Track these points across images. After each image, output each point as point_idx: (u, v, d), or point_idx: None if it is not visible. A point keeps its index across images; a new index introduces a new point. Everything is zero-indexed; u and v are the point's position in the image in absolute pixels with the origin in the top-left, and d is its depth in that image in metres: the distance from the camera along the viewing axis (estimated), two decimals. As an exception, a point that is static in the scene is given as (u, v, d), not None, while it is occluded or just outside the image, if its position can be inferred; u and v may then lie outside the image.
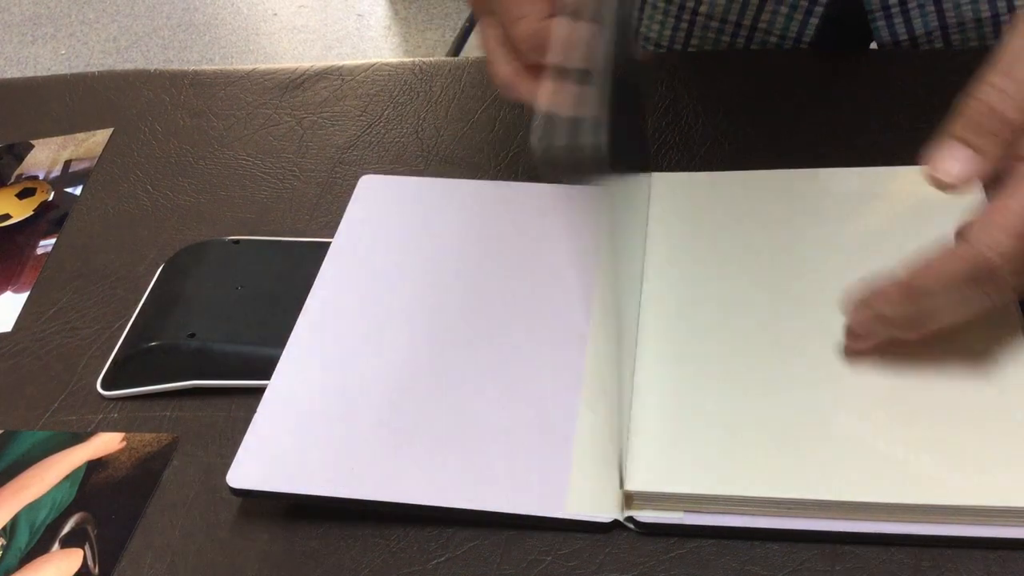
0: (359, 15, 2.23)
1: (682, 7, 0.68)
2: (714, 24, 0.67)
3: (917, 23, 0.63)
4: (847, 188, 0.50)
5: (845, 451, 0.39)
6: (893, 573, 0.38)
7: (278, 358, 0.47)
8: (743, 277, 0.47)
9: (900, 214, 0.48)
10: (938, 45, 0.64)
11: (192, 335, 0.48)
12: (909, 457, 0.38)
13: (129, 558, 0.42)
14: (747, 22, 0.66)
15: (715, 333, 0.45)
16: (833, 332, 0.43)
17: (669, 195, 0.52)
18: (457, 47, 1.88)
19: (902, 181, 0.50)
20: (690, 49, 0.69)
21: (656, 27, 0.70)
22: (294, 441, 0.43)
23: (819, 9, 0.63)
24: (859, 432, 0.40)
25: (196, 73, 0.72)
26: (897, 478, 0.38)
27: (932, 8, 0.62)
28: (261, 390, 0.46)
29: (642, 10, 0.70)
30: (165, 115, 0.68)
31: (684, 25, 0.69)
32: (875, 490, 0.38)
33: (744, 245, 0.49)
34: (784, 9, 0.64)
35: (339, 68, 0.70)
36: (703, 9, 0.67)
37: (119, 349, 0.51)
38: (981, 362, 0.41)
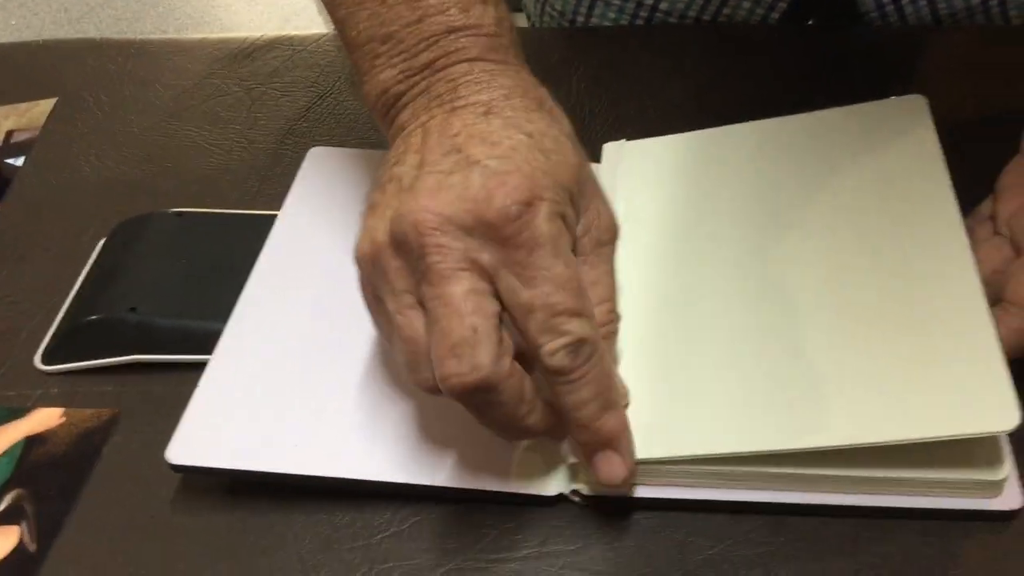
0: (318, -13, 2.20)
1: None
2: None
3: None
4: (813, 131, 0.50)
5: (789, 402, 0.39)
6: (834, 543, 0.38)
7: (222, 332, 0.46)
8: (677, 244, 0.47)
9: (866, 153, 0.48)
10: (921, 3, 0.63)
11: (133, 309, 0.47)
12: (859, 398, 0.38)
13: (67, 535, 0.42)
14: None
15: (655, 301, 0.44)
16: (787, 281, 0.43)
17: (634, 162, 0.52)
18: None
19: (860, 118, 0.50)
20: (660, 5, 0.66)
21: None
22: (236, 416, 0.43)
23: None
24: (805, 381, 0.39)
25: (143, 43, 0.70)
26: (846, 419, 0.38)
27: None
28: (205, 365, 0.45)
29: None
30: (111, 85, 0.66)
31: None
32: (821, 435, 0.37)
33: (711, 201, 0.48)
34: None
35: (290, 38, 0.68)
36: None
37: (59, 323, 0.49)
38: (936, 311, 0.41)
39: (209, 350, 0.45)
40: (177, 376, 0.46)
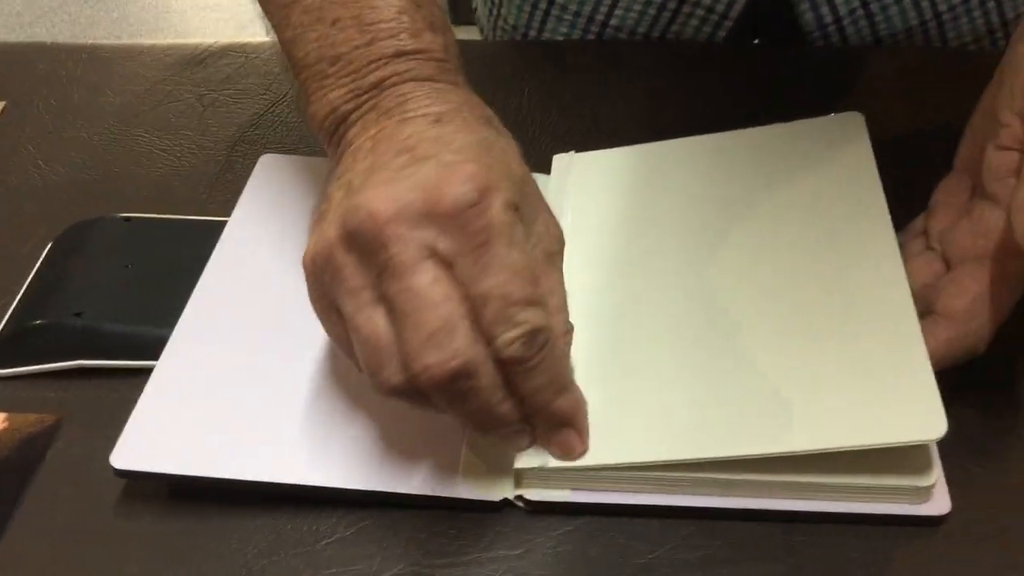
0: (275, -4, 2.18)
1: None
2: None
3: (840, 0, 0.63)
4: (755, 146, 0.52)
5: (732, 412, 0.40)
6: (769, 546, 0.39)
7: (168, 338, 0.46)
8: (619, 254, 0.48)
9: (805, 168, 0.49)
10: (862, 24, 0.64)
11: (78, 314, 0.47)
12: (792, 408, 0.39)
13: (9, 541, 0.41)
14: None
15: (595, 311, 0.45)
16: (720, 297, 0.44)
17: (583, 173, 0.53)
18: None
19: (800, 134, 0.51)
20: (611, 22, 0.68)
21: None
22: (181, 421, 0.43)
23: None
24: (747, 392, 0.40)
25: (94, 47, 0.70)
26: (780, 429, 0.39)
27: None
28: (150, 371, 0.45)
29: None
30: (60, 89, 0.66)
31: None
32: (758, 443, 0.38)
33: (653, 215, 0.49)
34: None
35: (243, 45, 0.68)
36: None
37: (2, 328, 0.49)
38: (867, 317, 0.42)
39: (155, 356, 0.45)
40: (122, 382, 0.46)
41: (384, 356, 0.36)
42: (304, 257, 0.39)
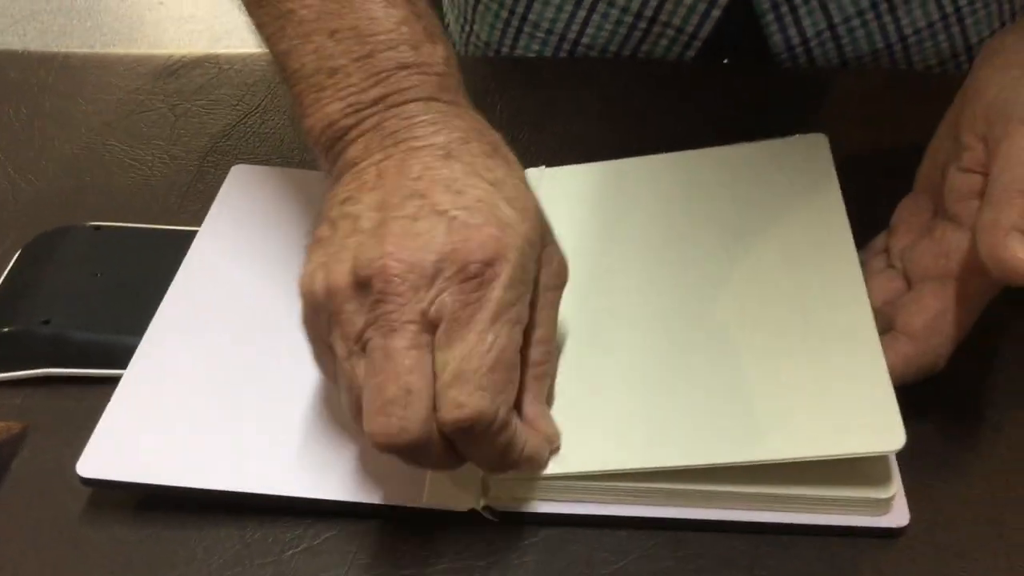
0: (250, 8, 2.18)
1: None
2: (614, 12, 0.66)
3: (807, 23, 0.64)
4: (721, 165, 0.52)
5: (693, 423, 0.40)
6: (733, 557, 0.40)
7: (136, 347, 0.46)
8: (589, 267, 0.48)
9: (769, 187, 0.50)
10: (829, 46, 0.66)
11: (46, 321, 0.47)
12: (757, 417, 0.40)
13: (-30, 550, 0.41)
14: (648, 14, 0.65)
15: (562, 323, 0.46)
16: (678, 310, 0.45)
17: (553, 188, 0.53)
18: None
19: (764, 154, 0.52)
20: (582, 40, 0.68)
21: (554, 15, 0.67)
22: (148, 431, 0.42)
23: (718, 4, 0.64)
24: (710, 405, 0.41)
25: (66, 56, 0.70)
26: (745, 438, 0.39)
27: (817, 4, 0.63)
28: (118, 379, 0.45)
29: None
30: (32, 97, 0.66)
31: (583, 14, 0.66)
32: (723, 452, 0.39)
33: (615, 233, 0.50)
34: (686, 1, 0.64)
35: (216, 56, 0.68)
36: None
37: (-31, 335, 0.49)
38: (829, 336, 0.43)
39: (123, 364, 0.45)
40: (89, 390, 0.46)
41: (359, 407, 0.37)
42: (302, 284, 0.38)
